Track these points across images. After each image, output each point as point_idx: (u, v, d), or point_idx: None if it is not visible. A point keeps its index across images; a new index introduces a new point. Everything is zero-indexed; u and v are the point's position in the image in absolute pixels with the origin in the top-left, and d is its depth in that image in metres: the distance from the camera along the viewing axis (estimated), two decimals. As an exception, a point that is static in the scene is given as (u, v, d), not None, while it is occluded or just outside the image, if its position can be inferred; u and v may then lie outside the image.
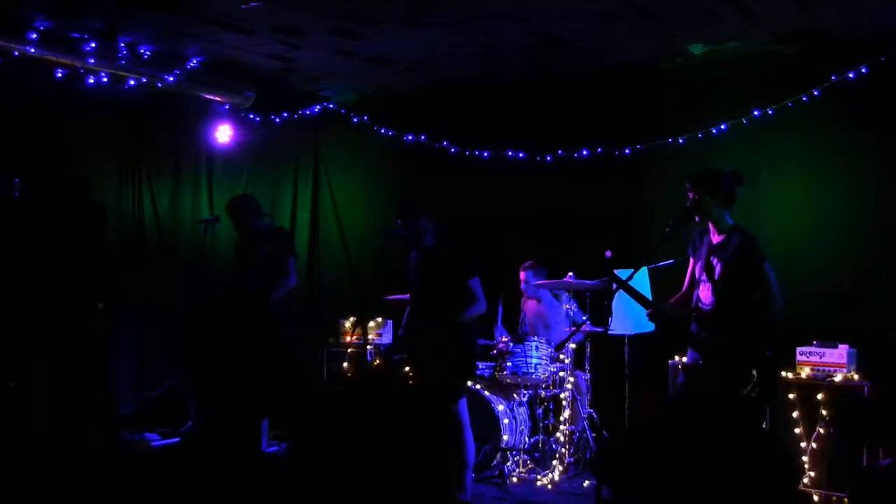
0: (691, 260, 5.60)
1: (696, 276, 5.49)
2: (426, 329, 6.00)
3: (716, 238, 5.38)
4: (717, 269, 5.29)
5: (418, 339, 6.06)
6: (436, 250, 6.06)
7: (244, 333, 2.07)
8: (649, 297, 7.14)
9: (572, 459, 7.28)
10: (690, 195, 5.36)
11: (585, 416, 7.33)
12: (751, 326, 5.20)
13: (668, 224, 5.36)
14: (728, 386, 5.10)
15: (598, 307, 7.21)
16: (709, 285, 5.36)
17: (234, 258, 7.51)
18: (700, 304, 5.42)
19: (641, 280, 6.73)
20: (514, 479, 7.02)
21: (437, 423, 1.81)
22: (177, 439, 7.61)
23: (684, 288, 5.66)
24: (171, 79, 7.99)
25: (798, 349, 6.63)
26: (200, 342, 2.06)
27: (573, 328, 7.08)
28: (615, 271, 6.91)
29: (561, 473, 7.03)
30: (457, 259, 5.98)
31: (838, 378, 6.40)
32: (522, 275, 7.85)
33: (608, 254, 5.85)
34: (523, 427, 7.35)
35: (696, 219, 5.38)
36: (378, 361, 8.03)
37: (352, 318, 8.48)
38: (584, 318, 7.23)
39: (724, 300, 5.28)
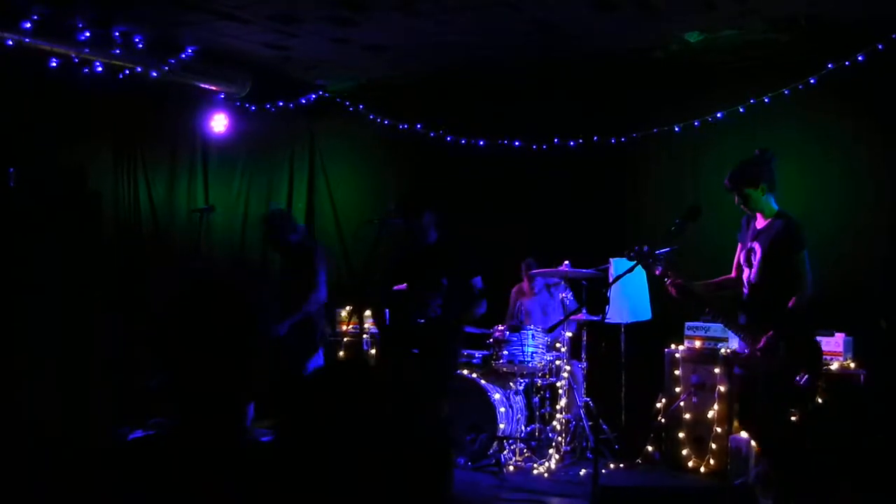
0: (739, 245, 5.60)
1: (742, 261, 5.50)
2: (423, 325, 5.82)
3: (760, 223, 5.40)
4: (758, 254, 5.32)
5: (413, 333, 5.87)
6: (439, 247, 5.83)
7: (223, 320, 2.05)
8: (646, 285, 7.17)
9: (569, 448, 7.29)
10: (735, 196, 5.38)
11: (582, 404, 7.33)
12: (786, 312, 5.19)
13: (673, 223, 5.37)
14: (776, 372, 5.15)
15: (594, 296, 7.21)
16: (749, 270, 5.40)
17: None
18: (744, 289, 5.44)
19: (638, 268, 6.71)
20: (511, 468, 7.02)
21: (429, 416, 1.79)
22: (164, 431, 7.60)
23: (732, 273, 5.64)
24: (167, 68, 7.95)
25: (795, 338, 6.63)
26: (178, 328, 2.05)
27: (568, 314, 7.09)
28: (613, 260, 6.93)
29: (557, 462, 7.03)
30: (461, 257, 5.79)
31: (835, 366, 6.41)
32: (525, 279, 7.87)
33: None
34: (520, 416, 7.34)
35: (744, 209, 5.41)
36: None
37: (348, 307, 8.47)
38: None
39: (762, 285, 5.30)
